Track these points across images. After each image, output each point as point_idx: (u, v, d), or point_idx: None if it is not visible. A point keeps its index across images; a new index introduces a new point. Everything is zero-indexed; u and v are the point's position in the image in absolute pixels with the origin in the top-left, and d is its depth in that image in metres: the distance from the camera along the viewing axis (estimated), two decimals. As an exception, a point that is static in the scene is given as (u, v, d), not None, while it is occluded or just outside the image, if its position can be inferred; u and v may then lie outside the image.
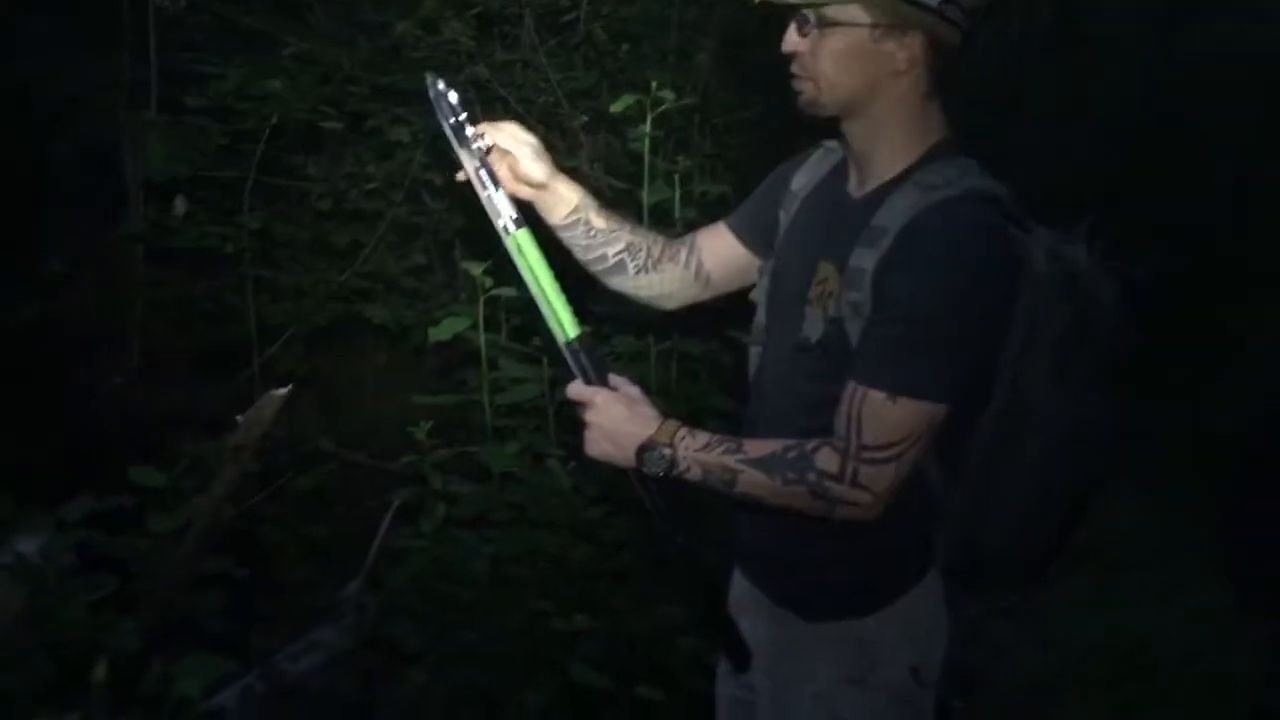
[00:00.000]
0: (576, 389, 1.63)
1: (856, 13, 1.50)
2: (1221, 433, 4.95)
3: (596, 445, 1.61)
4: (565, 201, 1.78)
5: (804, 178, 1.80)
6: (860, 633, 1.65)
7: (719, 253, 1.92)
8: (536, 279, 1.63)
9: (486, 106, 3.92)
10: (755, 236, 1.88)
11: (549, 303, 1.63)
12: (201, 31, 4.05)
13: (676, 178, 2.98)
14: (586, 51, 4.03)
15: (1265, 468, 4.67)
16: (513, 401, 2.75)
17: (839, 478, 1.48)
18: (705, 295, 1.95)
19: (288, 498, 3.37)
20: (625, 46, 3.91)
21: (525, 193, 1.74)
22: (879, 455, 1.47)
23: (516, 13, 3.91)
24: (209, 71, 3.57)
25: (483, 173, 1.64)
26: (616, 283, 1.90)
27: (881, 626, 1.64)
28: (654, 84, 2.71)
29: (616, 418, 1.59)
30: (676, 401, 3.05)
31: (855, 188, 1.66)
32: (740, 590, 1.85)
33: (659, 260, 1.90)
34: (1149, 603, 3.75)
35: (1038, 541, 1.66)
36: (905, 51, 1.51)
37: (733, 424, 1.71)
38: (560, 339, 1.65)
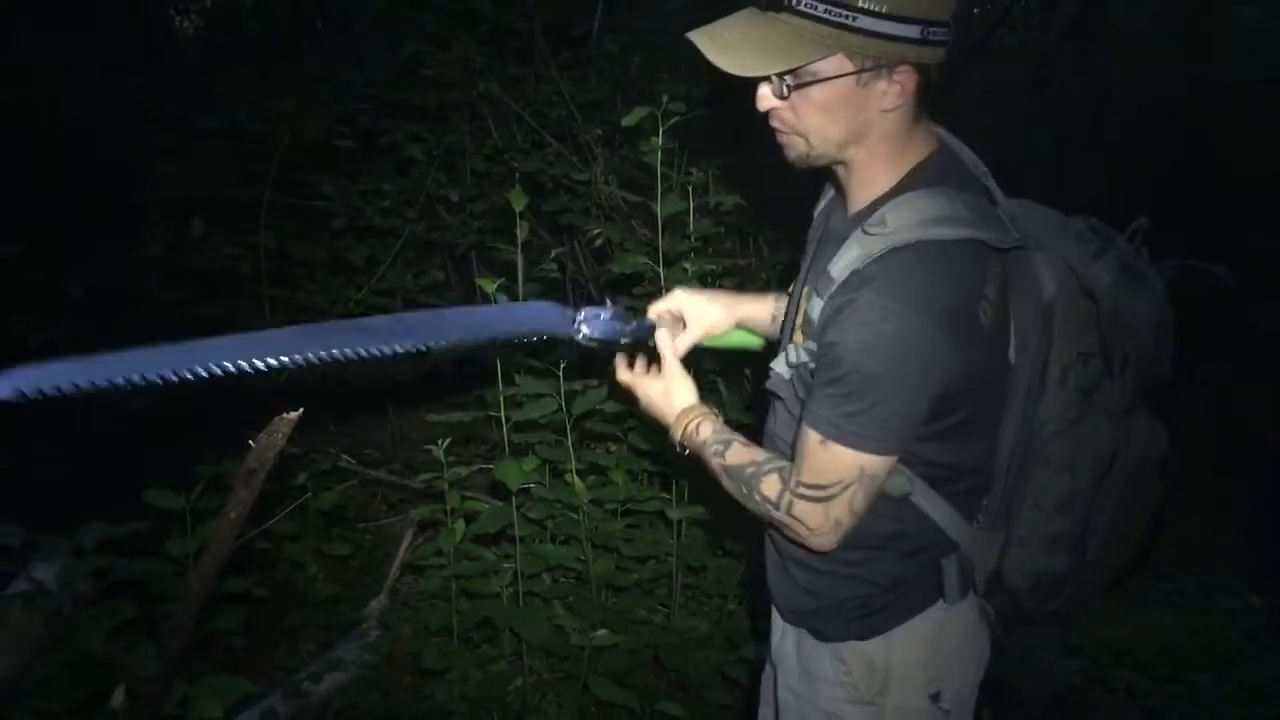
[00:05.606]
0: (622, 375, 1.83)
1: (841, 62, 1.37)
2: (1256, 435, 4.90)
3: (645, 412, 1.80)
4: (760, 312, 1.91)
5: (825, 200, 1.74)
6: (868, 654, 1.61)
7: None
8: None
9: (499, 121, 3.93)
10: None
11: None
12: (216, 52, 4.08)
13: (690, 189, 2.96)
14: (599, 65, 4.02)
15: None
16: (529, 417, 2.73)
17: (776, 505, 1.50)
18: None
19: (309, 516, 3.36)
20: (637, 59, 3.90)
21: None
22: (811, 493, 1.45)
23: (527, 27, 3.91)
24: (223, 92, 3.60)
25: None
26: None
27: (890, 649, 1.60)
28: (665, 97, 2.68)
29: (653, 395, 1.77)
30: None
31: (847, 210, 1.57)
32: (771, 607, 1.84)
33: None
34: (1179, 607, 3.71)
35: (1069, 581, 1.60)
36: (896, 86, 1.39)
37: (753, 435, 1.70)
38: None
